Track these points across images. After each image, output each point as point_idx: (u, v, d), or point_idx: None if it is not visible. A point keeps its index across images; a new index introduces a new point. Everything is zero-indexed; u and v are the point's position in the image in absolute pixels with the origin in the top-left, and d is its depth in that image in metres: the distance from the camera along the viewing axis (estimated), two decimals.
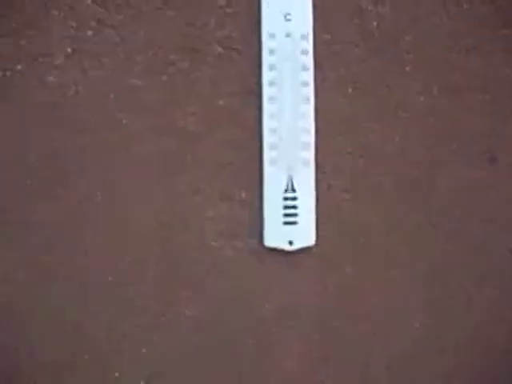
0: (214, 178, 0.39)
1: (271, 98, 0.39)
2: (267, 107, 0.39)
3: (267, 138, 0.39)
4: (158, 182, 0.39)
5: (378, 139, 0.41)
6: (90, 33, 0.38)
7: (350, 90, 0.40)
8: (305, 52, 0.39)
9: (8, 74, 0.38)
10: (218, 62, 0.39)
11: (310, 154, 0.39)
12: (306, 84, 0.39)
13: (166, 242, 0.39)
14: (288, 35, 0.38)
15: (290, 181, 0.39)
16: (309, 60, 0.39)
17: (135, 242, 0.39)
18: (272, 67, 0.39)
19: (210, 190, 0.39)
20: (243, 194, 0.40)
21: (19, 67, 0.38)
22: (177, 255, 0.39)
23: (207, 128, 0.39)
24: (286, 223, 0.39)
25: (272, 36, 0.38)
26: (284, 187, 0.39)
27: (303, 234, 0.39)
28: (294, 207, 0.39)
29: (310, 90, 0.39)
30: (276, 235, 0.39)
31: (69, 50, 0.38)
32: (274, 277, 0.40)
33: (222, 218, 0.39)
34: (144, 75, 0.39)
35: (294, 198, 0.39)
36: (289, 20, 0.38)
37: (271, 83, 0.39)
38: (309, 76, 0.39)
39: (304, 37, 0.39)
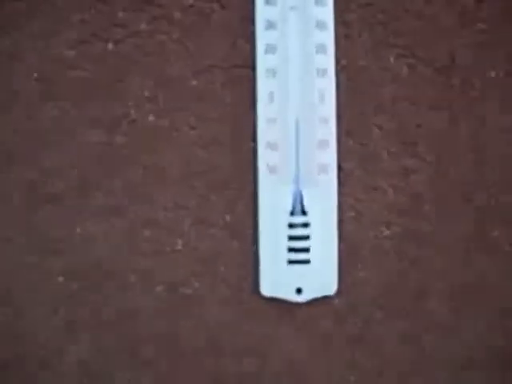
0: (184, 193, 0.27)
1: (269, 72, 0.26)
2: (264, 86, 0.26)
3: (263, 133, 0.26)
4: (99, 199, 0.27)
5: (434, 134, 0.27)
6: None
7: (391, 59, 0.27)
8: (321, 1, 0.26)
9: None
10: (190, 19, 0.27)
11: (330, 157, 0.26)
12: (322, 49, 0.26)
13: (111, 288, 0.27)
14: None
15: (299, 198, 0.26)
16: (327, 13, 0.26)
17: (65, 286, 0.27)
18: (271, 25, 0.26)
19: (177, 211, 0.27)
20: (228, 218, 0.27)
21: None
22: (131, 308, 0.27)
23: (173, 120, 0.27)
24: (292, 262, 0.26)
25: None
26: (289, 208, 0.26)
27: (318, 279, 0.26)
28: (305, 238, 0.26)
29: (329, 59, 0.26)
30: (278, 280, 0.26)
31: None
32: (274, 341, 0.27)
33: (195, 252, 0.27)
34: (80, 43, 0.27)
35: (305, 225, 0.26)
36: None
37: (270, 49, 0.26)
38: (327, 37, 0.26)
39: None
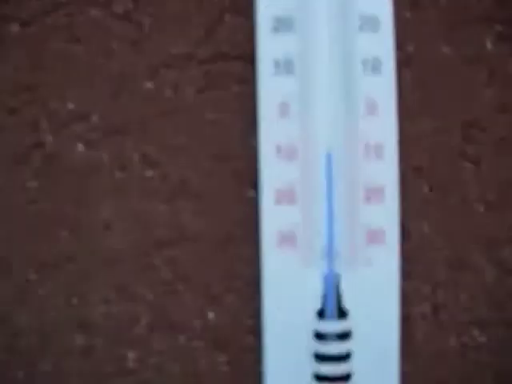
0: (137, 276, 0.16)
1: (280, 66, 0.15)
2: (271, 89, 0.15)
3: (272, 174, 0.15)
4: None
5: None
6: None
7: (488, 44, 0.17)
8: None
9: None
10: None
11: (388, 215, 0.16)
12: (372, 24, 0.15)
13: None
14: None
15: (334, 288, 0.15)
16: None
17: None
18: None
19: (126, 306, 0.16)
20: (211, 316, 0.16)
21: None
22: None
23: (115, 152, 0.17)
24: None
25: None
26: (317, 305, 0.15)
27: None
28: (344, 358, 0.15)
29: (385, 43, 0.15)
30: None
31: None
32: None
33: (156, 372, 0.16)
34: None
35: (345, 335, 0.15)
36: None
37: (281, 26, 0.15)
38: (380, 4, 0.15)
39: None
